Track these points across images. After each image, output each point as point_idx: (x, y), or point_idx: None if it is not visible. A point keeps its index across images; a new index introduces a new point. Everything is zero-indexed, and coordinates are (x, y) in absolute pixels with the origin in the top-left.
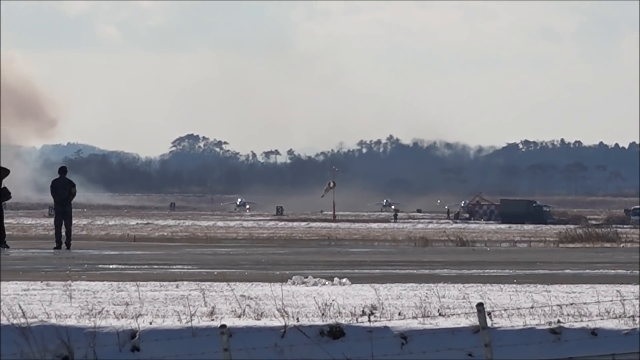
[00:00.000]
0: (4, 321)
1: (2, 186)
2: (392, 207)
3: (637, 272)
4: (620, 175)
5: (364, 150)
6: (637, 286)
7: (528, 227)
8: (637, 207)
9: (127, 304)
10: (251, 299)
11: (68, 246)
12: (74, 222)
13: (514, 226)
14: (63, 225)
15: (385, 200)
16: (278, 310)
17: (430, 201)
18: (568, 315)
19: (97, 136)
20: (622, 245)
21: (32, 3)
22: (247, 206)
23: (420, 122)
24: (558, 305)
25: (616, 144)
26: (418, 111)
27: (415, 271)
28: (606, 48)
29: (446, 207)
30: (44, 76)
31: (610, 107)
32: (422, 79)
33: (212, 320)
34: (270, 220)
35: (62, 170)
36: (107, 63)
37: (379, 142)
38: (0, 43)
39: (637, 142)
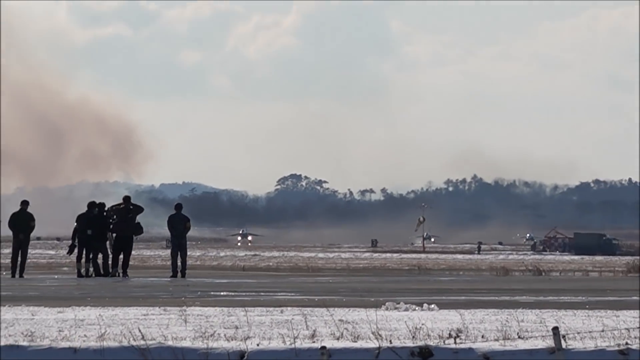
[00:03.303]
0: (125, 343)
1: (136, 221)
2: (432, 240)
3: None
4: None
5: (451, 189)
6: None
7: (599, 258)
8: None
9: (236, 328)
10: (348, 323)
11: (183, 275)
12: (188, 253)
13: (586, 257)
14: (179, 256)
15: (425, 233)
16: (373, 333)
17: (511, 235)
18: (635, 337)
19: (210, 176)
20: None
21: (151, 57)
22: (250, 237)
23: (501, 163)
24: (626, 328)
25: None
26: (499, 153)
27: (496, 298)
28: None
29: (524, 240)
30: (159, 122)
31: None
32: (502, 123)
33: (313, 342)
34: (366, 252)
35: (178, 207)
36: (218, 110)
37: (464, 180)
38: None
39: None
